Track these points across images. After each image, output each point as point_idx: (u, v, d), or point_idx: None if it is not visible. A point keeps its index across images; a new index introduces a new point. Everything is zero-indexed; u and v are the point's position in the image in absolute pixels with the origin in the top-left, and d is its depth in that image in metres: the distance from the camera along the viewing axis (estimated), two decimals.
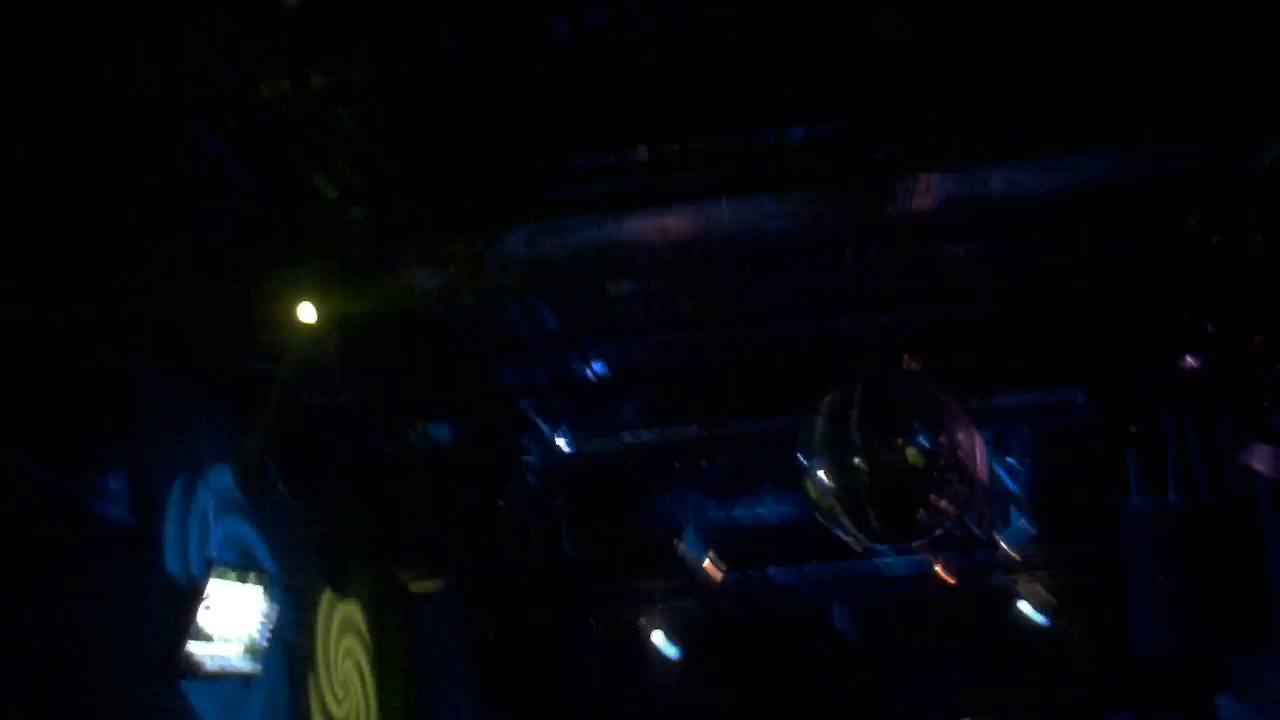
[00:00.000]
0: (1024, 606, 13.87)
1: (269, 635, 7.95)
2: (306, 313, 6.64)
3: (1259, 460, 10.72)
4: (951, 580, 13.46)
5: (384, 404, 8.57)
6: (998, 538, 12.14)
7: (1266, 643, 11.14)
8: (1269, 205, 7.60)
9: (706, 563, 11.75)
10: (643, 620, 13.84)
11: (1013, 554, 12.61)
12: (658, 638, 13.83)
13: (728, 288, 8.53)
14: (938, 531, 9.47)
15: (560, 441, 9.92)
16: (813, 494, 9.01)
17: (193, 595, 7.22)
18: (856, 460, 8.61)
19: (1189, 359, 9.30)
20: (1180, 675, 12.44)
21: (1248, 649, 11.81)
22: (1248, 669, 12.60)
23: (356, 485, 9.41)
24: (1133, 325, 9.36)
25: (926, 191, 7.35)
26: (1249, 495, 10.97)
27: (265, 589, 7.87)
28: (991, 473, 10.70)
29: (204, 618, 7.25)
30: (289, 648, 8.59)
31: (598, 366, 9.02)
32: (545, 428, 9.83)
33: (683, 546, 11.53)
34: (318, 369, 7.51)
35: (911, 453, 8.67)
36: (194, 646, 7.19)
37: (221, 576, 7.42)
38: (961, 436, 8.93)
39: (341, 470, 9.09)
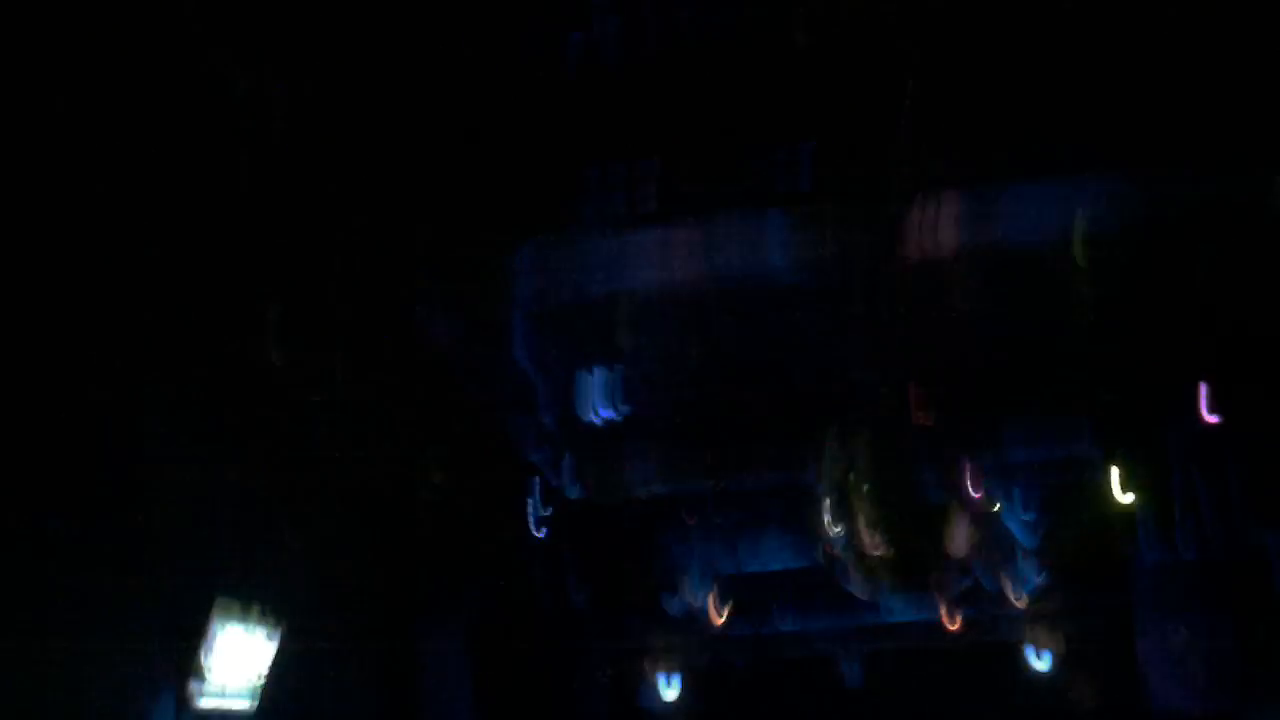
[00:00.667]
0: (1032, 659, 13.77)
1: (266, 674, 8.02)
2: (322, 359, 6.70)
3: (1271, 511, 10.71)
4: (960, 631, 13.37)
5: (393, 453, 8.59)
6: (1007, 590, 12.08)
7: None
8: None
9: (712, 611, 11.71)
10: (648, 668, 13.75)
11: (1022, 606, 12.54)
12: (663, 686, 13.72)
13: (738, 337, 8.55)
14: (948, 584, 9.47)
15: (568, 491, 9.94)
16: (823, 546, 9.04)
17: (198, 636, 7.31)
18: (867, 514, 8.65)
19: (1204, 414, 9.29)
20: None
21: (1265, 702, 11.73)
22: None
23: (365, 530, 9.44)
24: (1147, 380, 9.36)
25: (940, 241, 7.39)
26: (1261, 549, 10.93)
27: (268, 633, 7.93)
28: (1002, 526, 10.69)
29: (207, 659, 7.40)
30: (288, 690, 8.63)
31: (607, 416, 9.03)
32: (553, 478, 9.84)
33: (689, 595, 11.49)
34: (329, 415, 7.56)
35: (921, 506, 8.70)
36: (194, 686, 7.35)
37: (226, 619, 7.51)
38: (970, 490, 8.96)
39: (349, 518, 9.13)
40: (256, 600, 8.07)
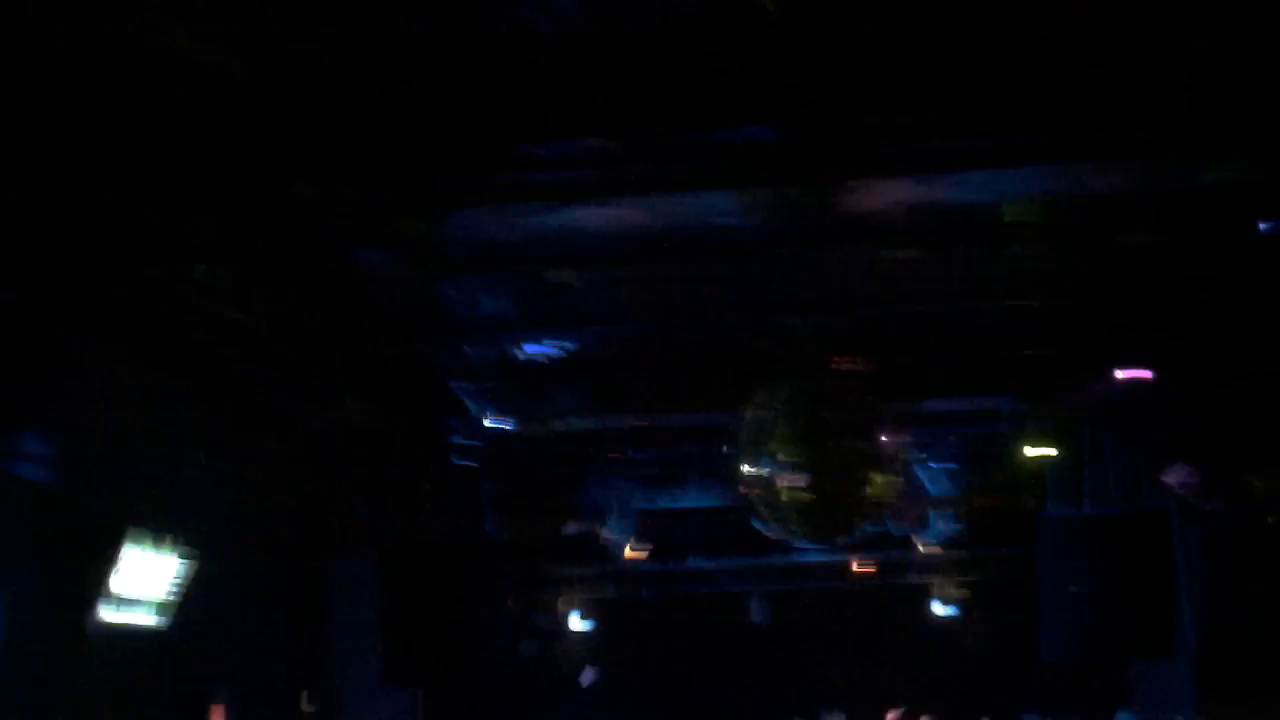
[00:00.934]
0: (937, 606, 14.09)
1: (179, 594, 7.93)
2: (244, 283, 6.55)
3: (1174, 477, 10.99)
4: (868, 576, 13.64)
5: (315, 376, 8.45)
6: (916, 538, 12.31)
7: (1169, 652, 11.44)
8: (1206, 227, 7.74)
9: (628, 549, 11.78)
10: (561, 602, 13.85)
11: (930, 554, 12.81)
12: (575, 620, 13.86)
13: (670, 281, 8.52)
14: (858, 530, 9.60)
15: (490, 424, 9.87)
16: (738, 486, 9.09)
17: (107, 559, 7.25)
18: (784, 457, 8.70)
19: (1116, 375, 9.47)
20: (1086, 680, 12.72)
21: (1151, 657, 12.13)
22: (1150, 676, 12.94)
23: (280, 454, 9.31)
24: (1063, 338, 9.50)
25: (873, 196, 7.38)
26: (1161, 509, 11.24)
27: (177, 553, 7.86)
28: (914, 475, 10.85)
29: (116, 582, 7.37)
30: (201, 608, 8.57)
31: (533, 352, 8.96)
32: (476, 409, 9.76)
33: (606, 532, 11.53)
34: (248, 337, 7.41)
35: (838, 452, 8.77)
36: (104, 609, 7.33)
37: (137, 543, 7.43)
38: (891, 438, 9.05)
39: (266, 439, 9.00)
40: (167, 521, 7.97)
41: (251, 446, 8.91)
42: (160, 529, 7.81)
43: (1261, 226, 7.21)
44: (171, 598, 7.89)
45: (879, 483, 9.03)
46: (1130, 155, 6.89)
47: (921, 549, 12.47)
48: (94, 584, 7.29)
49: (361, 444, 9.50)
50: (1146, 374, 9.38)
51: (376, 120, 6.22)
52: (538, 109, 6.18)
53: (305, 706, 10.86)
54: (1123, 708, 12.38)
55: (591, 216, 7.26)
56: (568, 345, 8.90)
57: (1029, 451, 10.60)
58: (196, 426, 8.37)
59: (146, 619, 7.79)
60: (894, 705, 13.08)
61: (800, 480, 8.78)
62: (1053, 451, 10.53)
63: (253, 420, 8.73)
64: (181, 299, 6.91)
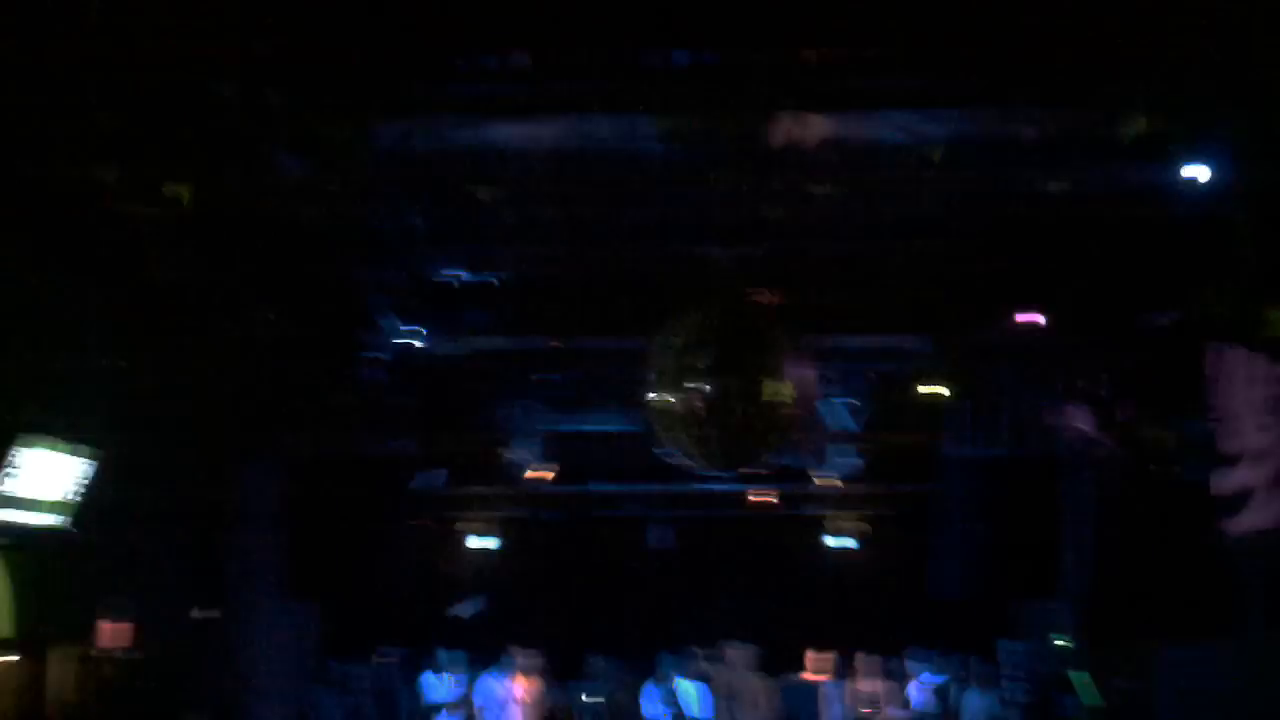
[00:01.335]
0: (835, 539, 14.35)
1: (80, 496, 7.86)
2: (164, 186, 6.41)
3: (1069, 419, 11.29)
4: (768, 507, 13.84)
5: (232, 285, 8.32)
6: (816, 471, 12.51)
7: (1053, 591, 11.84)
8: (1124, 178, 7.90)
9: (534, 470, 11.82)
10: (466, 521, 13.88)
11: (829, 488, 13.02)
12: (479, 538, 13.89)
13: (588, 204, 8.50)
14: (766, 461, 9.74)
15: (406, 340, 9.80)
16: (651, 414, 9.16)
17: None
18: (698, 385, 8.77)
19: (1024, 319, 9.65)
20: (972, 616, 13.08)
21: (1036, 596, 12.53)
22: (1032, 613, 13.37)
23: (188, 360, 9.19)
24: (970, 281, 9.66)
25: (798, 129, 7.41)
26: (1053, 454, 11.56)
27: (80, 456, 7.75)
28: (823, 409, 11.01)
29: (11, 483, 7.30)
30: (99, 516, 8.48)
31: (454, 269, 8.90)
32: (393, 324, 9.69)
33: (513, 452, 11.55)
34: (168, 243, 7.26)
35: (746, 383, 8.87)
36: None
37: (34, 444, 7.31)
38: (799, 372, 9.16)
39: (173, 343, 8.87)
40: (68, 423, 7.85)
41: (158, 350, 8.77)
42: (61, 431, 7.69)
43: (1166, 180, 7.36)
44: (72, 499, 7.78)
45: (784, 415, 9.16)
46: (1041, 103, 7.00)
47: (821, 482, 12.67)
48: None
49: (271, 352, 9.39)
50: (1039, 319, 9.57)
51: (298, 25, 6.11)
52: (461, 20, 6.11)
53: (197, 614, 10.81)
54: (1006, 639, 12.77)
55: (511, 134, 7.21)
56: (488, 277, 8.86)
57: (930, 391, 10.80)
58: (102, 329, 8.22)
59: (46, 520, 7.68)
60: (787, 634, 13.34)
61: (707, 409, 8.87)
62: (953, 393, 10.74)
63: (160, 324, 8.59)
64: (88, 197, 6.74)
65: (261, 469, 11.35)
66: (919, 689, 12.34)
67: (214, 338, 9.09)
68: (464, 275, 9.04)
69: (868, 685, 12.72)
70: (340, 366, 9.93)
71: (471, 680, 12.45)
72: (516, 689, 12.23)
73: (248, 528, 11.68)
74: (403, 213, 8.07)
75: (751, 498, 13.71)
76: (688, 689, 12.26)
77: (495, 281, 9.38)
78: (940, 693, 12.14)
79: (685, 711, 11.93)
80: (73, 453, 7.72)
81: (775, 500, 13.75)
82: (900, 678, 12.63)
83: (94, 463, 7.87)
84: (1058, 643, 12.26)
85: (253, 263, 8.38)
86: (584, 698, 12.38)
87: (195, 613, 11.08)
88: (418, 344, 9.85)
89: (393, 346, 10.09)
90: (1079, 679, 11.24)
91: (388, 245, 8.53)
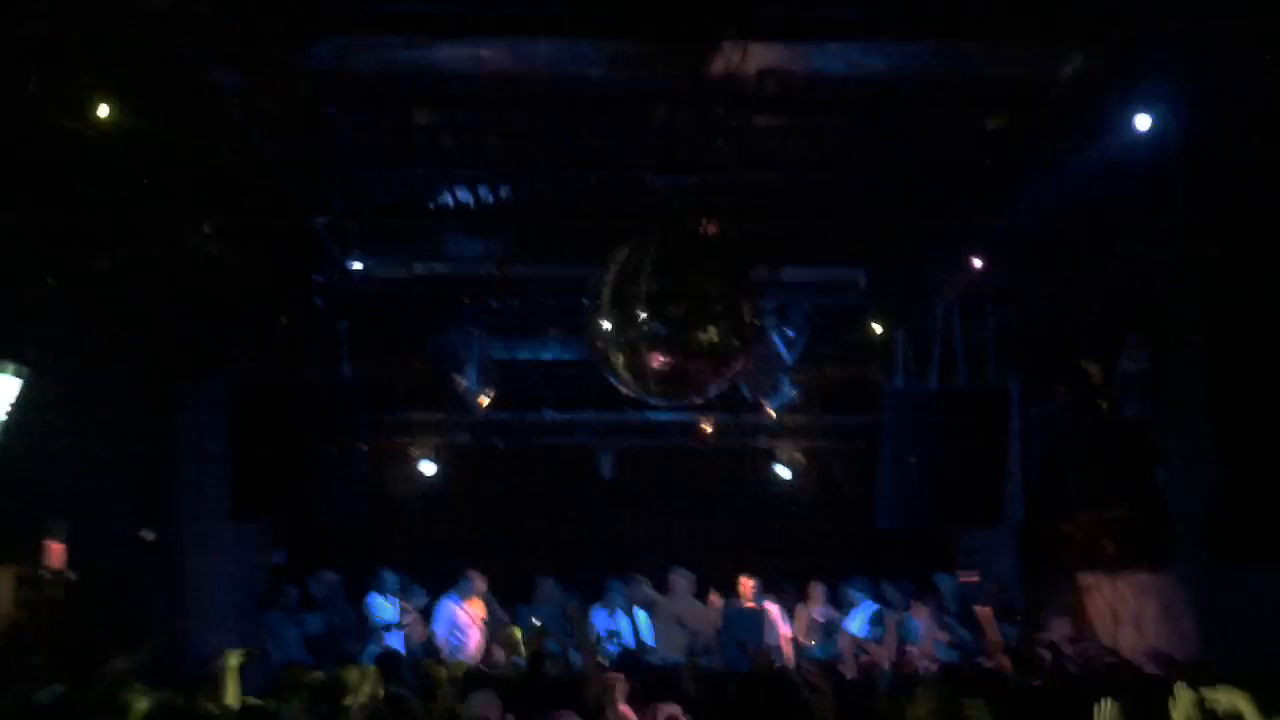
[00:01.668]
0: (780, 469, 14.46)
1: (12, 415, 7.82)
2: (99, 105, 6.30)
3: (1010, 352, 11.41)
4: (715, 438, 13.92)
5: (169, 205, 8.22)
6: (765, 402, 12.56)
7: (996, 522, 12.02)
8: (1064, 117, 7.93)
9: (483, 399, 11.81)
10: (413, 448, 13.88)
11: (777, 419, 13.09)
12: (426, 466, 13.92)
13: (537, 130, 8.45)
14: (710, 390, 9.77)
15: (350, 264, 9.75)
16: (594, 341, 9.16)
17: None
18: (641, 313, 8.76)
19: (972, 258, 9.71)
20: (915, 547, 13.28)
21: (979, 526, 12.72)
22: (975, 544, 13.59)
23: (130, 279, 9.11)
24: (922, 216, 9.69)
25: (745, 60, 7.38)
26: (1001, 389, 11.68)
27: (13, 373, 7.70)
28: (768, 340, 11.04)
29: None
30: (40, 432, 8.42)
31: (395, 193, 8.85)
32: (335, 249, 9.62)
33: (461, 381, 11.53)
34: (104, 164, 7.15)
35: (694, 312, 8.87)
36: None
37: None
38: (744, 302, 9.18)
39: (118, 267, 8.78)
40: (5, 341, 7.78)
41: (99, 269, 8.69)
42: None
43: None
44: (4, 418, 7.72)
45: (732, 346, 9.18)
46: (982, 38, 7.01)
47: (770, 413, 12.73)
48: None
49: (215, 274, 9.31)
50: (979, 254, 9.63)
51: None
52: None
53: (146, 536, 10.81)
54: (943, 571, 12.98)
55: (456, 56, 7.14)
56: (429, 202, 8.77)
57: (879, 325, 10.86)
58: (39, 247, 8.12)
59: None
60: (735, 563, 13.48)
61: (654, 338, 8.87)
62: (895, 326, 10.81)
63: (100, 242, 8.50)
64: (16, 112, 6.62)
65: (205, 392, 11.32)
66: (859, 617, 12.54)
67: (157, 256, 9.00)
68: (405, 199, 8.98)
69: (813, 612, 12.91)
70: (282, 290, 9.86)
71: (417, 601, 12.57)
72: (473, 612, 12.34)
73: (193, 450, 11.67)
74: (341, 133, 8.00)
75: (695, 427, 13.78)
76: (631, 615, 12.41)
77: (436, 206, 9.33)
78: (879, 620, 12.33)
79: (626, 637, 12.07)
80: (4, 370, 7.61)
81: (719, 430, 13.83)
82: (843, 605, 12.83)
83: (26, 381, 7.76)
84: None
85: (189, 183, 8.28)
86: (533, 621, 12.50)
87: (144, 534, 11.09)
88: (359, 268, 9.80)
89: (335, 271, 10.04)
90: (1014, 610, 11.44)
91: (327, 167, 8.46)
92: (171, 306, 9.75)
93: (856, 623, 12.50)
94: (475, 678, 8.44)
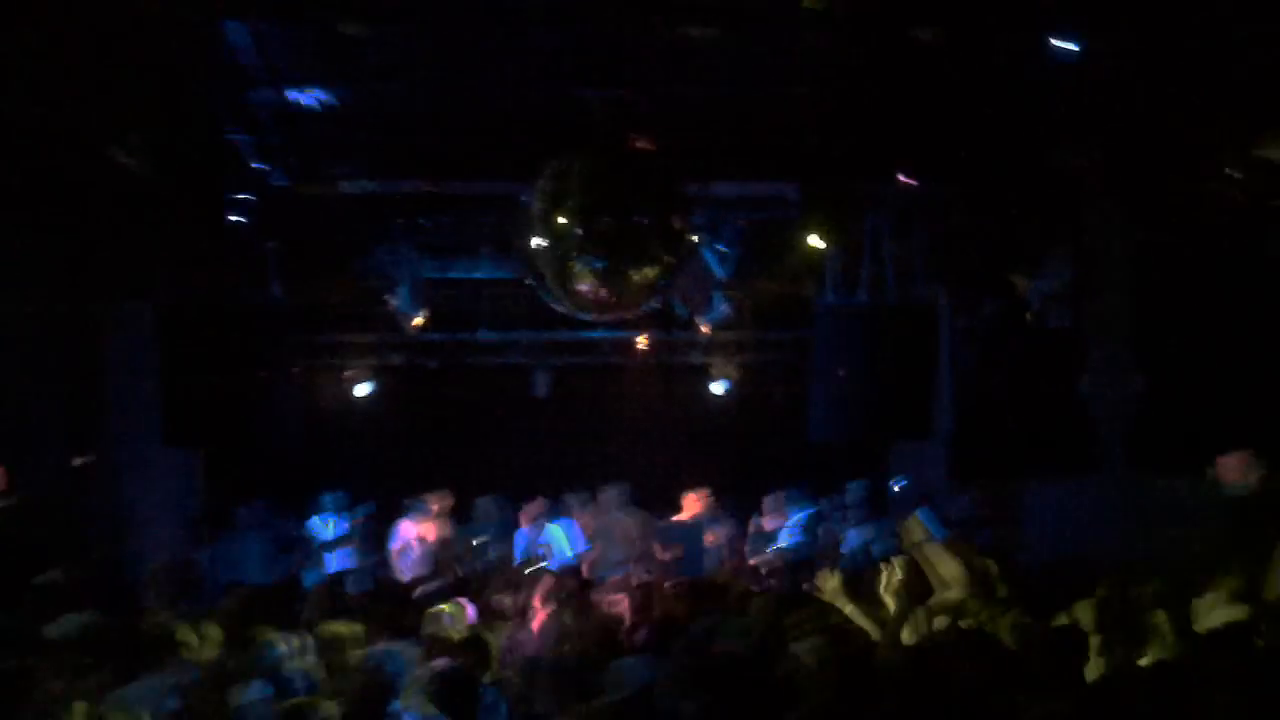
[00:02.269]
0: (714, 385, 14.57)
1: None
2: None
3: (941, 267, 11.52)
4: (650, 354, 13.98)
5: (85, 121, 8.02)
6: (698, 318, 12.62)
7: (926, 434, 12.21)
8: (993, 29, 7.95)
9: (416, 319, 11.74)
10: (346, 370, 13.81)
11: (710, 335, 13.17)
12: (360, 388, 13.87)
13: (465, 42, 8.32)
14: (643, 306, 9.80)
15: (275, 182, 9.58)
16: (526, 258, 9.14)
17: None
18: (572, 229, 8.75)
19: (901, 174, 9.75)
20: (848, 458, 13.46)
21: (910, 438, 12.92)
22: (907, 454, 13.82)
23: (51, 205, 8.92)
24: (849, 131, 9.70)
25: None
26: (930, 302, 11.81)
27: None
28: (699, 255, 11.06)
29: None
30: None
31: (322, 105, 8.67)
32: (260, 165, 9.45)
33: (394, 301, 11.45)
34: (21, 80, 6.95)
35: (626, 228, 8.87)
36: None
37: None
38: (676, 217, 9.18)
39: (35, 189, 8.59)
40: None
41: (16, 191, 8.49)
42: None
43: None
44: None
45: (665, 261, 9.19)
46: None
47: (703, 329, 12.80)
48: None
49: (135, 194, 9.12)
50: (911, 168, 9.68)
51: None
52: None
53: (77, 462, 10.71)
54: (895, 478, 13.18)
55: None
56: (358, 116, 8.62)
57: (810, 240, 10.90)
58: None
59: None
60: (672, 479, 13.62)
61: (587, 254, 8.86)
62: (832, 241, 10.85)
63: (15, 162, 8.29)
64: None
65: (133, 315, 11.14)
66: (792, 527, 12.74)
67: (75, 177, 8.80)
68: (333, 113, 8.82)
69: (765, 522, 13.09)
70: (209, 209, 9.68)
71: (355, 519, 12.64)
72: (423, 531, 12.40)
73: (124, 375, 11.52)
74: (271, 45, 7.82)
75: (629, 344, 13.84)
76: (558, 532, 12.51)
77: (365, 121, 9.19)
78: (811, 529, 12.54)
79: (557, 553, 12.17)
80: None
81: (653, 347, 13.89)
82: (777, 516, 13.03)
83: None
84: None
85: (110, 96, 8.07)
86: (473, 541, 12.59)
87: (76, 460, 10.98)
88: (285, 186, 9.65)
89: (266, 190, 9.87)
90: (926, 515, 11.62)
91: (250, 79, 8.28)
92: (95, 227, 9.55)
93: (789, 532, 12.70)
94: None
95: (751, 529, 13.14)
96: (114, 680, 5.70)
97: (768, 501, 13.22)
